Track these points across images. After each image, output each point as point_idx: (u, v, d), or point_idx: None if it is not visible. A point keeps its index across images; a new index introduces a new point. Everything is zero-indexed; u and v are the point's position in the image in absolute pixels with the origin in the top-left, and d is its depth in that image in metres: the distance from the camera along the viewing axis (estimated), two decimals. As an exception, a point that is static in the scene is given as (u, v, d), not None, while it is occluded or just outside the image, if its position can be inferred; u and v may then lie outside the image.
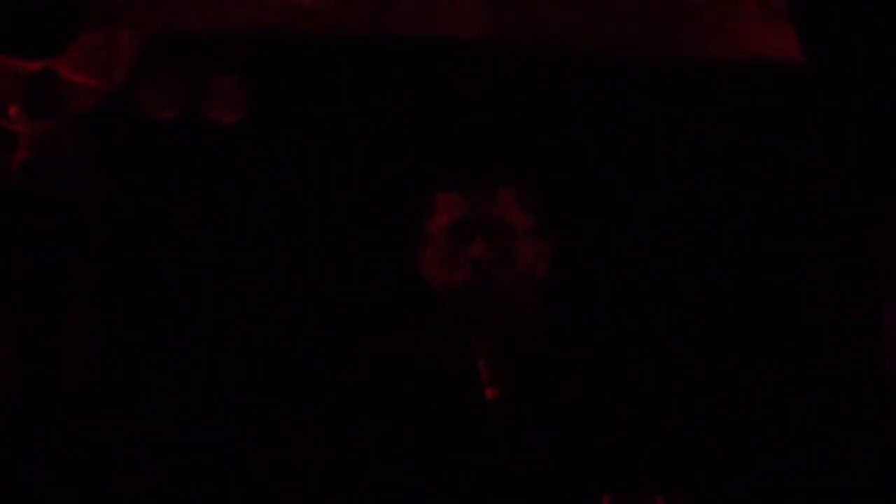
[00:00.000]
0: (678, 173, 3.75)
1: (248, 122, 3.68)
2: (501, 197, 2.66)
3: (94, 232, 3.54)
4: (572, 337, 2.71)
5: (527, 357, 2.64)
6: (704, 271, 3.74)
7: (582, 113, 3.74)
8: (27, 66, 3.49)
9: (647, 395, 2.67)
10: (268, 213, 3.72)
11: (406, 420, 2.62)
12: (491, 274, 2.61)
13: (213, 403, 3.65)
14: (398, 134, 3.72)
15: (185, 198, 3.70)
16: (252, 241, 3.71)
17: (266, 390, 3.64)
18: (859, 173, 3.72)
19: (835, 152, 3.74)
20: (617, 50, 3.65)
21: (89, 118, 3.55)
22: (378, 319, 3.59)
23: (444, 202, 2.68)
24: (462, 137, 3.66)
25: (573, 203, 3.63)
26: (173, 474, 3.61)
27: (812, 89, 3.72)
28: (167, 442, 3.63)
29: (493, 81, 3.71)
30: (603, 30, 3.65)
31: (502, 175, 2.70)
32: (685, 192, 3.75)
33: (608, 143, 3.74)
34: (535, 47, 3.66)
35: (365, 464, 2.61)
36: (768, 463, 3.66)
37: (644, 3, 3.65)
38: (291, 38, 3.63)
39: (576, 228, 3.52)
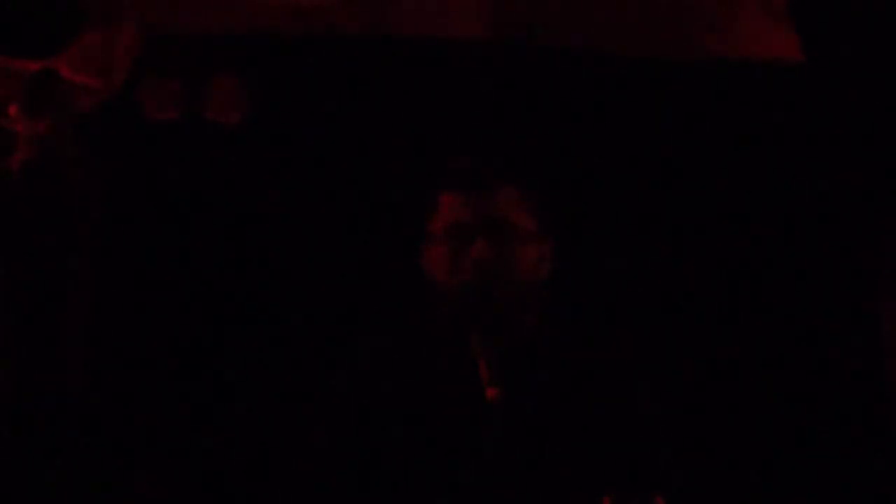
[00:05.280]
0: (679, 173, 3.75)
1: (249, 122, 3.68)
2: (504, 197, 2.66)
3: (94, 232, 3.54)
4: (573, 337, 2.71)
5: (527, 357, 2.64)
6: (705, 272, 3.74)
7: (583, 113, 3.74)
8: (27, 66, 3.49)
9: (647, 395, 2.67)
10: (269, 213, 3.72)
11: (406, 420, 2.62)
12: (492, 274, 2.61)
13: (213, 402, 3.65)
14: (399, 134, 3.72)
15: (185, 198, 3.70)
16: (253, 241, 3.71)
17: (266, 389, 3.64)
18: (859, 173, 3.73)
19: (834, 152, 3.74)
20: (617, 50, 3.65)
21: (89, 118, 3.55)
22: (378, 318, 3.59)
23: (446, 202, 2.68)
24: (464, 137, 3.66)
25: (575, 204, 3.63)
26: (174, 473, 3.61)
27: (812, 89, 3.72)
28: (167, 441, 3.63)
29: (494, 81, 3.71)
30: (603, 30, 3.65)
31: (504, 176, 2.70)
32: (686, 192, 3.75)
33: (609, 144, 3.74)
34: (535, 47, 3.66)
35: (364, 463, 2.61)
36: (768, 463, 3.66)
37: (644, 4, 3.65)
38: (291, 38, 3.63)
39: (577, 229, 3.52)
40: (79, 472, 3.49)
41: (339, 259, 3.71)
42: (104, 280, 3.58)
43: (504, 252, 2.62)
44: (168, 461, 3.62)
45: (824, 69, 3.68)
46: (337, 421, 2.67)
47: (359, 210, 3.71)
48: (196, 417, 3.65)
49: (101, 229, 3.55)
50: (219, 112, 3.65)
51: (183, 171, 3.70)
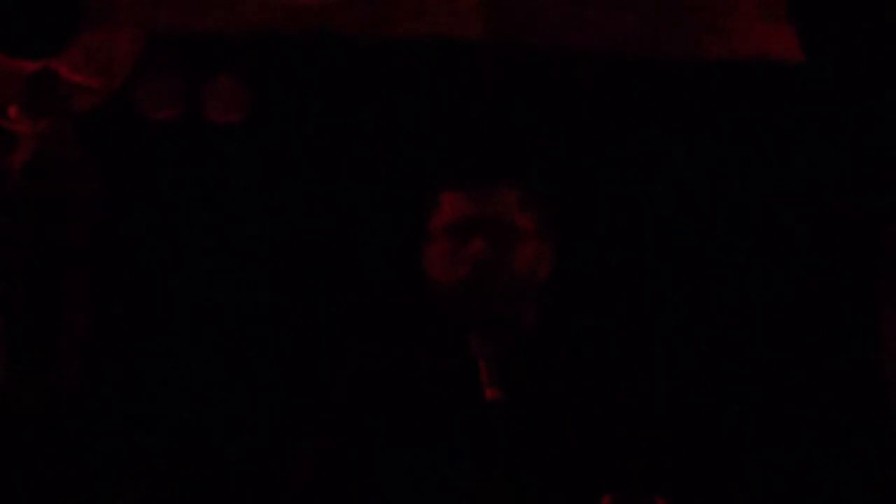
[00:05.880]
0: (679, 173, 3.75)
1: (249, 122, 3.68)
2: (503, 197, 2.67)
3: (94, 232, 3.53)
4: (572, 337, 2.71)
5: (527, 357, 2.64)
6: (704, 272, 3.74)
7: (582, 113, 3.74)
8: (27, 66, 3.49)
9: (646, 395, 2.67)
10: (268, 213, 3.72)
11: (406, 420, 2.62)
12: (492, 274, 2.61)
13: (212, 404, 3.65)
14: (399, 134, 3.72)
15: (185, 198, 3.70)
16: (252, 241, 3.71)
17: (265, 390, 3.64)
18: (859, 174, 3.73)
19: (834, 152, 3.74)
20: (617, 50, 3.65)
21: (89, 118, 3.55)
22: (378, 319, 3.59)
23: (446, 202, 2.68)
24: (463, 137, 3.66)
25: (574, 204, 3.63)
26: (172, 475, 3.61)
27: (812, 89, 3.72)
28: (166, 442, 3.63)
29: (493, 81, 3.71)
30: (603, 30, 3.65)
31: (504, 175, 2.70)
32: (685, 193, 3.75)
33: (609, 144, 3.74)
34: (535, 47, 3.66)
35: (364, 464, 2.61)
36: (768, 463, 3.66)
37: (644, 4, 3.65)
38: (291, 38, 3.63)
39: (577, 229, 3.52)
40: (76, 473, 3.49)
41: (339, 258, 3.70)
42: (103, 280, 3.58)
43: (504, 251, 2.63)
44: (166, 463, 3.62)
45: (824, 69, 3.68)
46: (336, 421, 2.67)
47: (359, 210, 3.70)
48: (194, 419, 3.64)
49: (101, 229, 3.55)
50: (219, 112, 3.65)
51: (183, 171, 3.70)
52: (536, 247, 2.68)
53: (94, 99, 3.54)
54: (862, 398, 3.67)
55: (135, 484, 3.58)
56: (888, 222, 3.67)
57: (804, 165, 3.75)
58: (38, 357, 3.45)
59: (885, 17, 3.68)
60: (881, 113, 3.70)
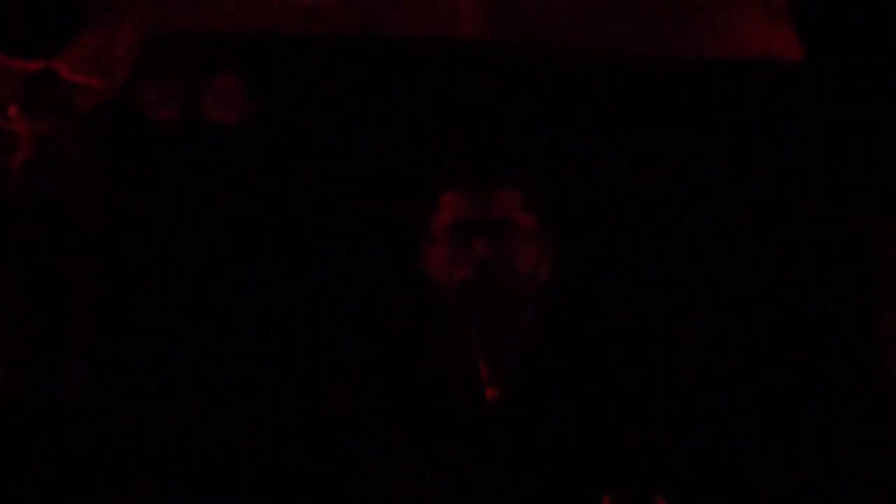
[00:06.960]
0: (679, 173, 3.75)
1: (249, 122, 3.68)
2: (505, 197, 2.67)
3: (95, 232, 3.54)
4: (573, 337, 2.71)
5: (527, 357, 2.64)
6: (704, 272, 3.74)
7: (582, 113, 3.74)
8: (27, 66, 3.49)
9: (647, 395, 2.67)
10: (268, 213, 3.72)
11: (406, 420, 2.62)
12: (493, 274, 2.61)
13: (214, 404, 3.65)
14: (399, 134, 3.72)
15: (185, 198, 3.70)
16: (252, 242, 3.71)
17: (266, 390, 3.64)
18: (859, 174, 3.73)
19: (834, 153, 3.74)
20: (617, 49, 3.65)
21: (89, 118, 3.55)
22: (378, 318, 3.59)
23: (447, 202, 2.68)
24: (464, 137, 3.66)
25: (575, 204, 3.63)
26: (174, 476, 3.61)
27: (812, 89, 3.72)
28: (168, 444, 3.63)
29: (494, 81, 3.71)
30: (603, 29, 3.65)
31: (505, 175, 2.70)
32: (685, 193, 3.75)
33: (609, 144, 3.74)
34: (535, 47, 3.66)
35: (365, 463, 2.61)
36: (767, 463, 3.66)
37: (644, 3, 3.65)
38: (291, 38, 3.63)
39: (578, 229, 3.52)
40: (77, 476, 3.49)
41: (340, 259, 3.70)
42: (104, 280, 3.58)
43: (505, 252, 2.63)
44: (167, 463, 3.62)
45: (824, 69, 3.68)
46: (337, 421, 2.67)
47: (359, 210, 3.70)
48: (196, 420, 3.65)
49: (101, 229, 3.55)
50: (219, 112, 3.65)
51: (183, 170, 3.70)
52: (538, 247, 2.68)
53: (95, 99, 3.54)
54: (862, 398, 3.67)
55: (135, 484, 3.58)
56: (888, 222, 3.67)
57: (804, 165, 3.75)
58: (39, 358, 3.45)
59: (885, 18, 3.68)
60: (881, 112, 3.70)
